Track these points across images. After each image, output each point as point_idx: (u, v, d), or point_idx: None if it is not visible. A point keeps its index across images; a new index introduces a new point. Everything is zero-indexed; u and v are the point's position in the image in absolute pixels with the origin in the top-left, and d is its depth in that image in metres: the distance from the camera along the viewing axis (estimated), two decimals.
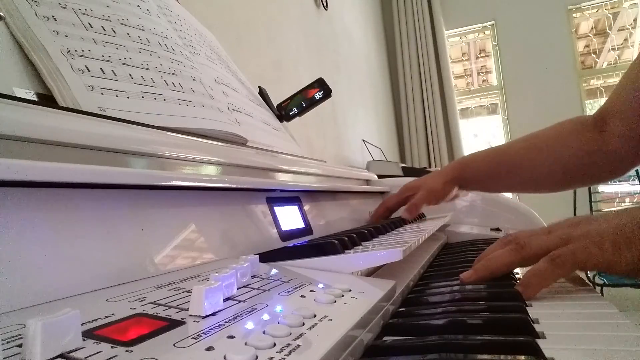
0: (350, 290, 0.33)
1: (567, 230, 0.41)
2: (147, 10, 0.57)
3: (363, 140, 2.57)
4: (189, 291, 0.27)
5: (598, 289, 2.20)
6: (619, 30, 3.60)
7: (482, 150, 0.78)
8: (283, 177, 0.60)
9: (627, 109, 0.61)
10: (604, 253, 0.37)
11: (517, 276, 0.47)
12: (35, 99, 0.37)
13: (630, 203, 3.46)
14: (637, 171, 2.60)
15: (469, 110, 3.88)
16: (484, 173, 0.75)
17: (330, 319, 0.26)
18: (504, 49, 3.63)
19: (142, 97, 0.46)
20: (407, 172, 2.18)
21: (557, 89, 3.43)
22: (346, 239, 0.44)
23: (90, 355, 0.18)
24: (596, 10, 3.55)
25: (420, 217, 0.86)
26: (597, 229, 0.39)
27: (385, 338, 0.32)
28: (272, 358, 0.20)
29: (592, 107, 3.62)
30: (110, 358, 0.18)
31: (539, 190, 0.75)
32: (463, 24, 3.74)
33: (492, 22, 3.67)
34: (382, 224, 0.61)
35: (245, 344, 0.21)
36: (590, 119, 0.68)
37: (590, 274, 2.26)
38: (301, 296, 0.30)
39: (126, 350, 0.19)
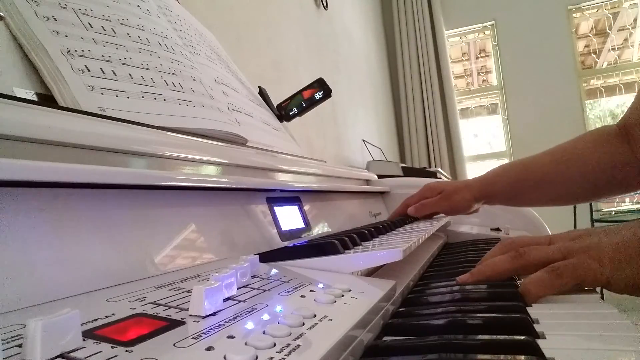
0: (350, 290, 0.33)
1: (568, 244, 0.41)
2: (147, 10, 0.57)
3: (363, 140, 2.57)
4: (189, 291, 0.27)
5: (598, 289, 2.19)
6: (619, 30, 3.60)
7: (508, 164, 0.78)
8: (283, 177, 0.60)
9: None
10: (604, 269, 0.37)
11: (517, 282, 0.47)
12: (35, 99, 0.37)
13: (630, 203, 3.46)
14: None
15: (469, 110, 3.88)
16: (511, 189, 0.75)
17: (330, 319, 0.26)
18: (504, 49, 3.63)
19: (142, 97, 0.46)
20: (407, 172, 2.18)
21: (557, 89, 3.43)
22: (346, 239, 0.44)
23: (90, 355, 0.18)
24: (596, 10, 3.55)
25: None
26: (598, 244, 0.38)
27: (385, 338, 0.32)
28: (272, 358, 0.20)
29: (592, 107, 3.63)
30: (110, 358, 0.18)
31: (567, 203, 0.74)
32: (463, 24, 3.74)
33: (492, 22, 3.67)
34: (382, 224, 0.61)
35: (245, 344, 0.21)
36: (615, 128, 0.67)
37: None
38: (301, 296, 0.30)
39: (126, 350, 0.19)
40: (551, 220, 0.98)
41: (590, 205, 2.98)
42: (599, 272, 0.37)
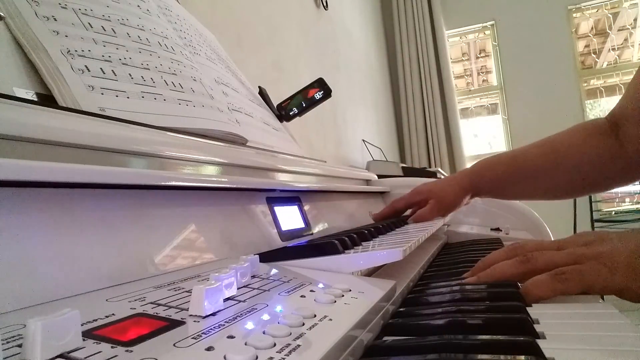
0: (350, 290, 0.33)
1: (578, 249, 0.39)
2: (147, 10, 0.57)
3: (363, 140, 2.57)
4: (189, 291, 0.27)
5: None
6: (619, 30, 3.60)
7: (496, 156, 0.76)
8: (283, 177, 0.60)
9: None
10: (616, 277, 0.36)
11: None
12: (35, 99, 0.37)
13: (630, 203, 3.46)
14: None
15: (469, 110, 3.88)
16: (499, 181, 0.74)
17: (330, 319, 0.26)
18: (504, 49, 3.63)
19: (142, 97, 0.46)
20: (407, 172, 2.18)
21: (557, 89, 3.43)
22: (346, 239, 0.44)
23: (90, 355, 0.18)
24: (596, 10, 3.55)
25: None
26: (612, 251, 0.37)
27: (385, 338, 0.32)
28: (272, 358, 0.20)
29: (592, 107, 3.63)
30: (110, 358, 0.18)
31: (556, 197, 0.73)
32: (463, 24, 3.74)
33: (492, 22, 3.67)
34: (382, 224, 0.61)
35: (245, 344, 0.21)
36: (605, 122, 0.66)
37: None
38: (301, 296, 0.30)
39: (126, 350, 0.19)
40: (551, 220, 0.98)
41: (590, 205, 2.98)
42: (609, 279, 0.36)
